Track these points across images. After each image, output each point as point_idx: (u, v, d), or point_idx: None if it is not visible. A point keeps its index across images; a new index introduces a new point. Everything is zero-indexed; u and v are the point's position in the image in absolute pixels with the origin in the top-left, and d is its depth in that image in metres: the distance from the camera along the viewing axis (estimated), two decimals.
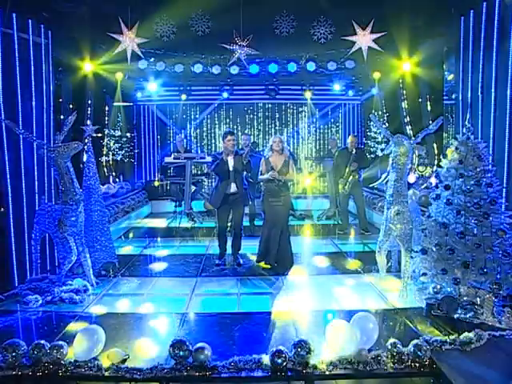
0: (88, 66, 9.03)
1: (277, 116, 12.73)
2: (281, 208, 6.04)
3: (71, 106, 8.70)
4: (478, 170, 4.53)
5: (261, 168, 6.11)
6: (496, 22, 5.82)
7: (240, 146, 8.96)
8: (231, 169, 6.18)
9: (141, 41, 9.11)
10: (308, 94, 11.88)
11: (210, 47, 9.32)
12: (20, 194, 5.67)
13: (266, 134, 12.70)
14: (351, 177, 8.37)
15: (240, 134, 12.13)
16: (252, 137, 12.41)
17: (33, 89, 6.00)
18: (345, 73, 10.26)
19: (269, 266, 6.13)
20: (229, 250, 6.54)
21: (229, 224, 6.79)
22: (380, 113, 10.56)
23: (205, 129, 12.67)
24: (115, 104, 10.81)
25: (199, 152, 11.74)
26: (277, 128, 12.66)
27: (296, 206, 10.49)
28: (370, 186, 9.71)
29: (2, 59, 5.44)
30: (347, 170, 8.39)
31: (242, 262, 6.45)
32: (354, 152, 8.44)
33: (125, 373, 3.32)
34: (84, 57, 8.85)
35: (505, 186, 5.38)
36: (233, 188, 6.20)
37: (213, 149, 12.56)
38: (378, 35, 8.14)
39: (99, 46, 9.18)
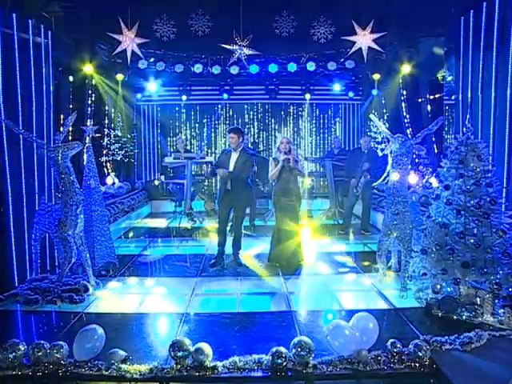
0: (88, 66, 9.03)
1: (277, 116, 12.71)
2: (294, 205, 6.16)
3: (71, 106, 8.72)
4: (478, 170, 4.53)
5: (270, 167, 6.23)
6: (496, 21, 5.84)
7: None
8: (231, 165, 6.25)
9: (141, 41, 9.13)
10: (308, 96, 11.84)
11: (210, 47, 9.35)
12: (20, 194, 5.65)
13: (265, 134, 12.69)
14: (363, 177, 8.29)
15: None
16: (252, 137, 12.44)
17: (33, 89, 5.99)
18: (344, 73, 10.26)
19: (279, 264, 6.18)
20: (229, 250, 6.53)
21: (229, 223, 6.78)
22: (379, 113, 10.55)
23: (205, 129, 12.66)
24: (115, 104, 10.81)
25: (199, 152, 11.71)
26: (276, 128, 12.64)
27: None
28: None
29: (1, 59, 5.43)
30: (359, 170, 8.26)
31: (242, 261, 6.45)
32: (366, 152, 8.36)
33: (125, 373, 3.32)
34: (84, 57, 8.86)
35: (505, 185, 5.39)
36: (228, 185, 6.26)
37: (213, 149, 12.58)
38: (378, 35, 8.19)
39: (99, 46, 9.19)
